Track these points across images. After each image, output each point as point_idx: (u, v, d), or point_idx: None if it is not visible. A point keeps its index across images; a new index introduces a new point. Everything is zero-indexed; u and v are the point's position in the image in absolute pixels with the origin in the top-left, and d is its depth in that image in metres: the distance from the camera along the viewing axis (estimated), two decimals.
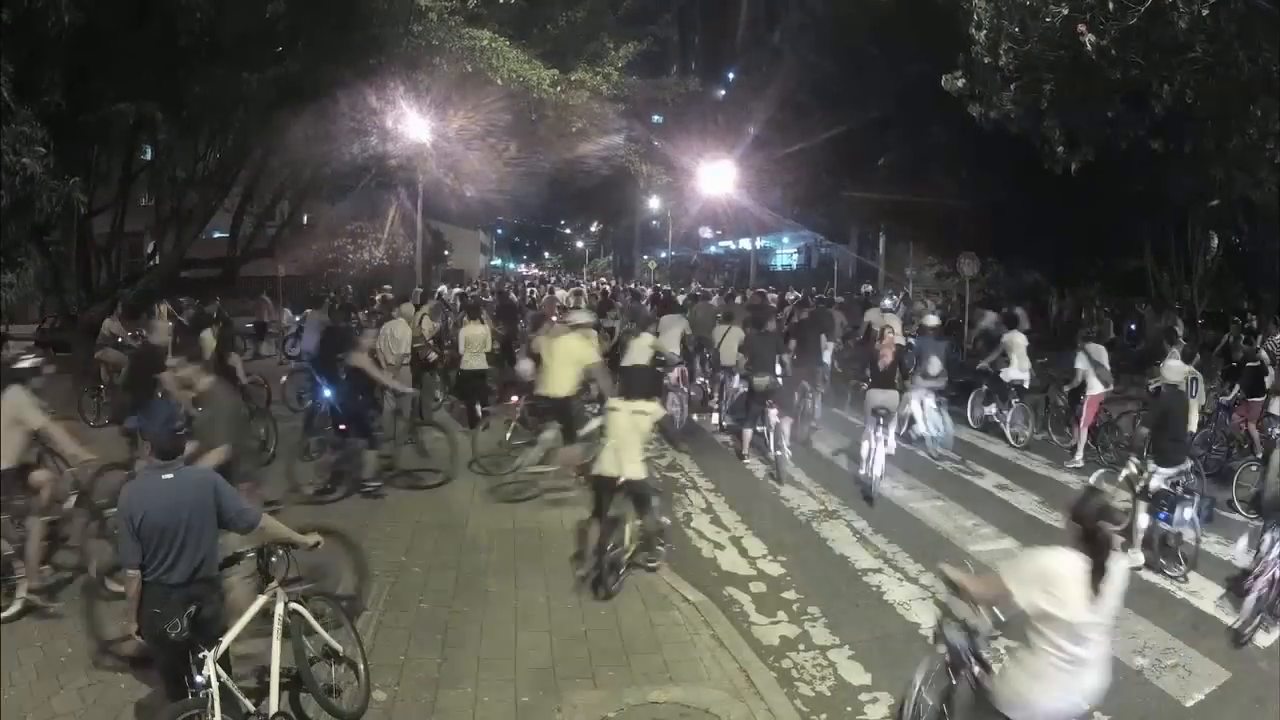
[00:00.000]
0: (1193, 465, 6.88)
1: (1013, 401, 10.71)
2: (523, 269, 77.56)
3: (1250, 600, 5.29)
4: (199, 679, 3.46)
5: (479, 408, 10.50)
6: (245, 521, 3.77)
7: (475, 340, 10.55)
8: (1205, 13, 7.45)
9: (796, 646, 5.35)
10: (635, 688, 4.64)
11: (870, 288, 26.72)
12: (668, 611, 5.59)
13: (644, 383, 6.43)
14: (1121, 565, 3.26)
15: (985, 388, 11.42)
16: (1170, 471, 6.41)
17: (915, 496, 8.54)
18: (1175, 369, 7.09)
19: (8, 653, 4.75)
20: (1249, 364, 9.62)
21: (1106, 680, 3.30)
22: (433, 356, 11.31)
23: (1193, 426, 7.59)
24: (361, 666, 4.32)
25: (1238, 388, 9.64)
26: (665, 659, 4.97)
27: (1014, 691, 3.28)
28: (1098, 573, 3.11)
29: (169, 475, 3.57)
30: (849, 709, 4.65)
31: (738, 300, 18.35)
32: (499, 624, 5.39)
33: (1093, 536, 3.14)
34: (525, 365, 9.61)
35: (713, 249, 56.30)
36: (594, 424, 7.15)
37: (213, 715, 3.41)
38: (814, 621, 5.71)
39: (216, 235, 20.09)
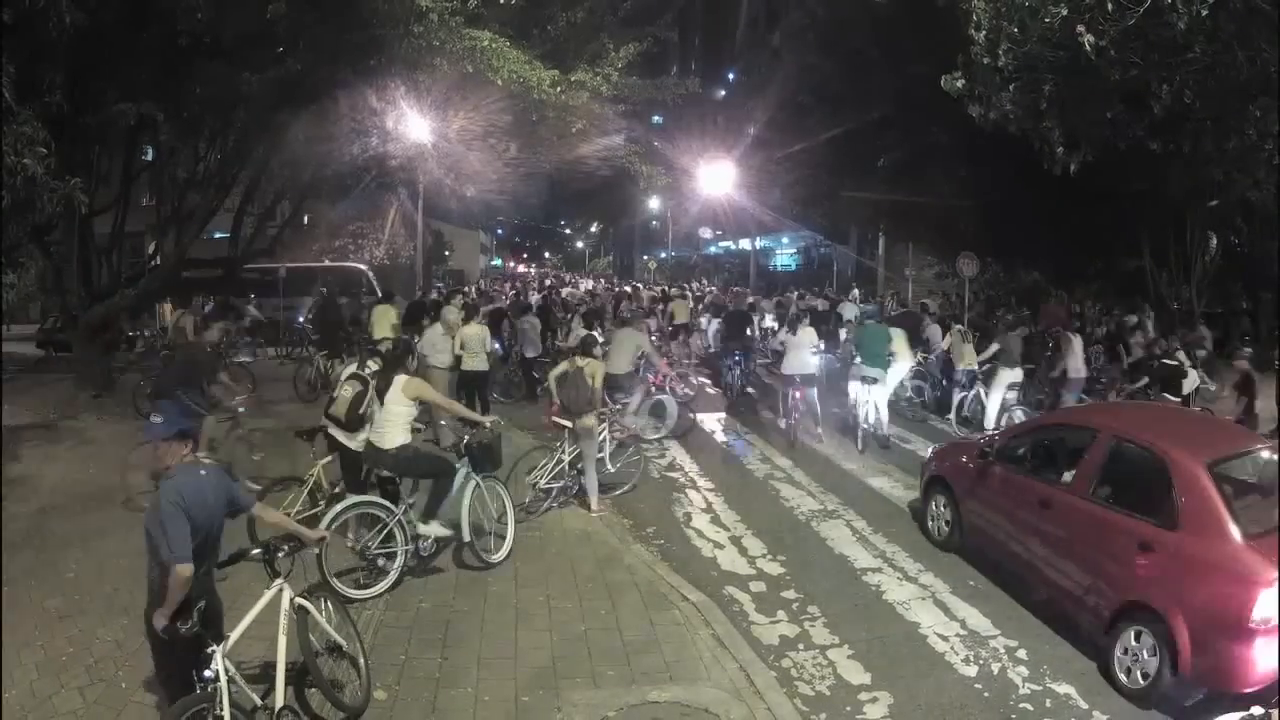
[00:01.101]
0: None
1: None
2: (521, 268, 77.89)
3: None
4: (207, 673, 3.51)
5: (478, 405, 10.72)
6: (244, 504, 3.97)
7: (473, 341, 10.64)
8: (1204, 13, 7.43)
9: (796, 646, 5.37)
10: (635, 687, 4.66)
11: (858, 290, 27.31)
12: (668, 611, 5.61)
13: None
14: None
15: None
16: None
17: (915, 496, 8.54)
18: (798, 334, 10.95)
19: (8, 652, 4.77)
20: (1164, 361, 9.96)
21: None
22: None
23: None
24: (362, 662, 4.35)
25: (1146, 381, 10.16)
26: (665, 659, 4.98)
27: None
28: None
29: (204, 471, 3.68)
30: (848, 709, 4.66)
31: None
32: (499, 624, 5.41)
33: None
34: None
35: (713, 249, 56.33)
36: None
37: (221, 709, 3.44)
38: (814, 621, 5.72)
39: (217, 235, 20.10)
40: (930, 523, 7.23)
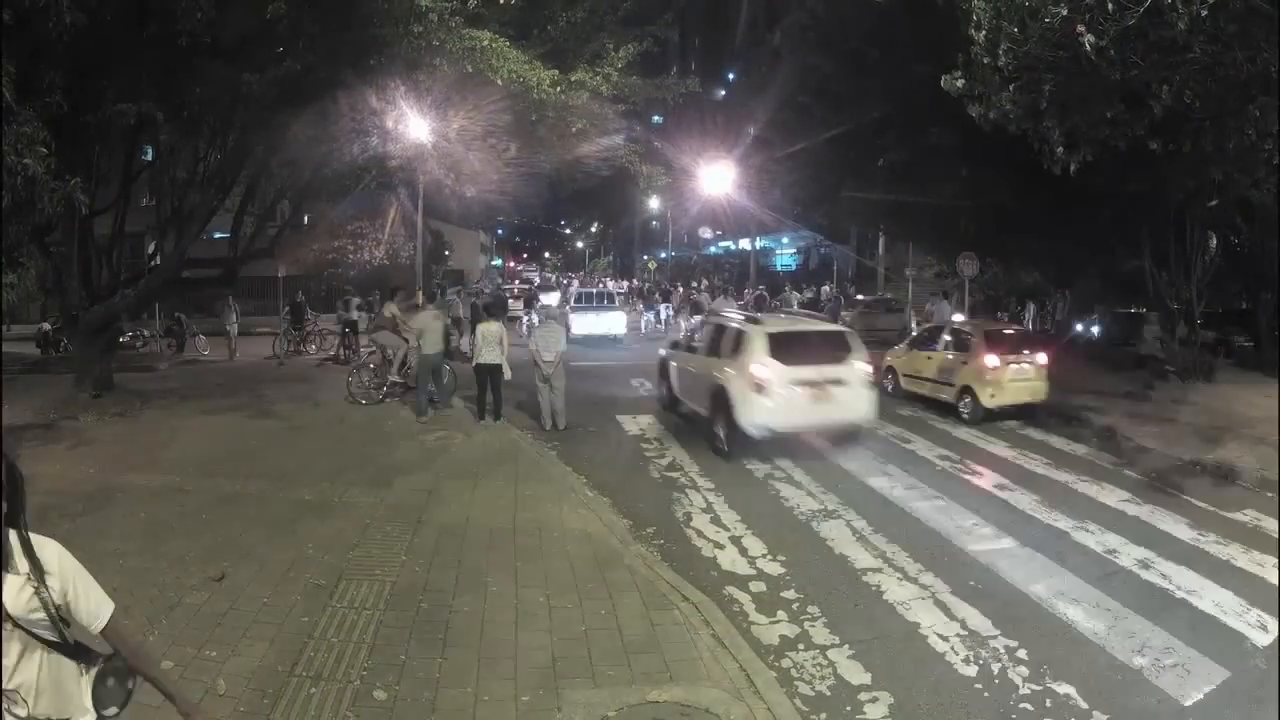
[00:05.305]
0: None
1: None
2: (519, 267, 78.16)
3: None
4: None
5: (489, 396, 11.96)
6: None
7: (490, 336, 11.89)
8: (1204, 13, 7.44)
9: (796, 646, 5.36)
10: (635, 687, 4.65)
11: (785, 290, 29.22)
12: (668, 611, 5.60)
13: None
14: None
15: None
16: None
17: (915, 496, 8.56)
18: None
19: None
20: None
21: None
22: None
23: None
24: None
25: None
26: (665, 659, 4.98)
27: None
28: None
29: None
30: (848, 708, 4.66)
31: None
32: (499, 623, 5.40)
33: None
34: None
35: (713, 249, 56.37)
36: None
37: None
38: (814, 621, 5.72)
39: (218, 236, 20.11)
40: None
